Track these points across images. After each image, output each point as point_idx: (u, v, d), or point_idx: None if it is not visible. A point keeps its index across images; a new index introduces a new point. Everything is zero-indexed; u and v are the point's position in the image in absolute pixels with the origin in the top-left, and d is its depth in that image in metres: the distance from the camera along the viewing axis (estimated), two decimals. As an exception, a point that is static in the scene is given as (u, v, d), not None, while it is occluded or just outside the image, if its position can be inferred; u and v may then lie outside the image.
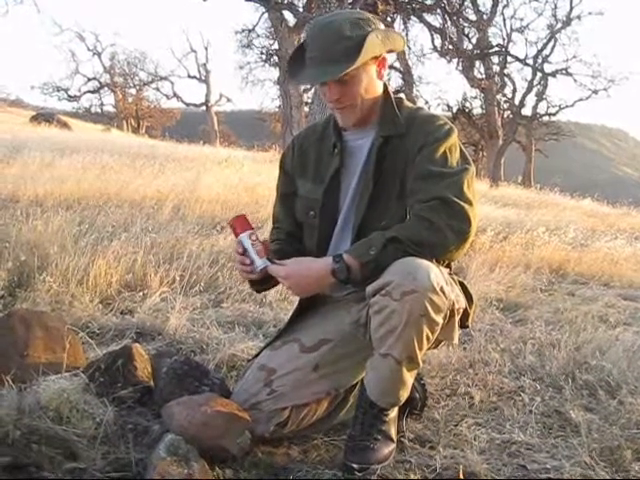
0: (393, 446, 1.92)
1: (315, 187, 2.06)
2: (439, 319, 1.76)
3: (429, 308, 1.72)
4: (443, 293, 1.75)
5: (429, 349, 1.92)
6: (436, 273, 1.75)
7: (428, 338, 1.77)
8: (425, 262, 1.75)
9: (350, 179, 2.02)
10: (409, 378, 1.84)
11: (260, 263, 1.90)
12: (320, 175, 2.06)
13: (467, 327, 2.07)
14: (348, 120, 1.98)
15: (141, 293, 3.28)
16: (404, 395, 1.88)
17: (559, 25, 26.05)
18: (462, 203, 1.79)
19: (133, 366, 2.07)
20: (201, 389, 2.01)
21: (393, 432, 1.93)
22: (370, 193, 1.95)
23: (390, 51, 2.00)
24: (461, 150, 1.95)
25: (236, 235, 1.94)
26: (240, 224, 1.94)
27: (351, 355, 2.01)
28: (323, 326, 2.07)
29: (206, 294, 3.49)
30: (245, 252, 1.92)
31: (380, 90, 2.00)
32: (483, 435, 2.10)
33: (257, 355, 2.13)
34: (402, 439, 2.02)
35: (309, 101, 13.70)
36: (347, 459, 1.84)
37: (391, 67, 22.21)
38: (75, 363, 2.12)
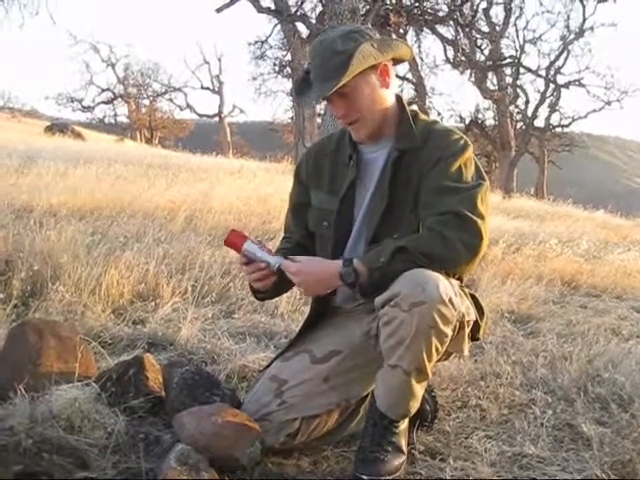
0: (403, 458, 1.91)
1: (330, 198, 2.07)
2: (448, 331, 1.77)
3: (438, 320, 1.72)
4: (452, 305, 1.75)
5: (439, 361, 1.93)
6: (445, 285, 1.75)
7: (437, 350, 1.77)
8: (435, 274, 1.75)
9: (365, 191, 2.03)
10: (419, 389, 1.84)
11: (275, 261, 1.90)
12: (335, 186, 2.07)
13: (478, 339, 2.07)
14: (360, 134, 1.99)
15: (153, 303, 3.30)
16: (414, 406, 1.88)
17: (572, 36, 26.03)
18: (475, 218, 1.80)
19: (144, 376, 2.07)
20: (212, 399, 2.02)
21: (403, 444, 1.92)
22: (384, 206, 1.95)
23: (396, 60, 2.01)
24: (476, 165, 1.95)
25: (239, 248, 1.93)
26: (237, 237, 1.94)
27: (362, 366, 2.01)
28: (334, 337, 2.07)
29: (218, 305, 3.49)
30: (255, 259, 1.92)
31: (390, 100, 2.00)
32: (494, 448, 2.08)
33: (268, 366, 2.14)
34: (412, 451, 2.01)
35: (322, 112, 13.73)
36: (357, 471, 1.84)
37: (403, 78, 22.26)
38: (87, 373, 2.14)
